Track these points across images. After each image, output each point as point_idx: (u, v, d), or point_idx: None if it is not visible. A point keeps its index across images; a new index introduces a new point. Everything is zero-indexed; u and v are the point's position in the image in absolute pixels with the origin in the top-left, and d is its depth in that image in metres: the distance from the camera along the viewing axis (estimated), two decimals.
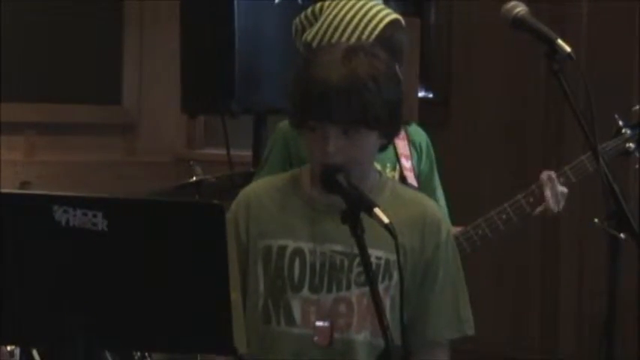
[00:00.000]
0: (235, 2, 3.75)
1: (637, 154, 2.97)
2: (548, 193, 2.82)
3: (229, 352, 1.97)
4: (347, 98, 2.12)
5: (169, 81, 4.63)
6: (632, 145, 2.94)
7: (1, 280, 2.04)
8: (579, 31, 4.21)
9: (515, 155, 4.32)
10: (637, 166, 3.00)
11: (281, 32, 3.59)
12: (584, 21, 4.30)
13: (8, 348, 3.04)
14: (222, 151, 4.30)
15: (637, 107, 3.02)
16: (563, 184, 2.86)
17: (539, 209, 2.86)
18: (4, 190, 2.80)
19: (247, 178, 2.93)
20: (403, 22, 2.80)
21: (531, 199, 2.85)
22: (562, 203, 2.89)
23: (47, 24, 5.54)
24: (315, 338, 2.22)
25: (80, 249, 1.94)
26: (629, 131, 2.93)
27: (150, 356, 3.01)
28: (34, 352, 3.11)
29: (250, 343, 2.15)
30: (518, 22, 2.39)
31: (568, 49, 2.21)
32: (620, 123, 2.98)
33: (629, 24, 4.21)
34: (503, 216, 2.92)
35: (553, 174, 2.85)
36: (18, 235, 2.00)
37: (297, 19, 2.89)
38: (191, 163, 4.06)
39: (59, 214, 1.90)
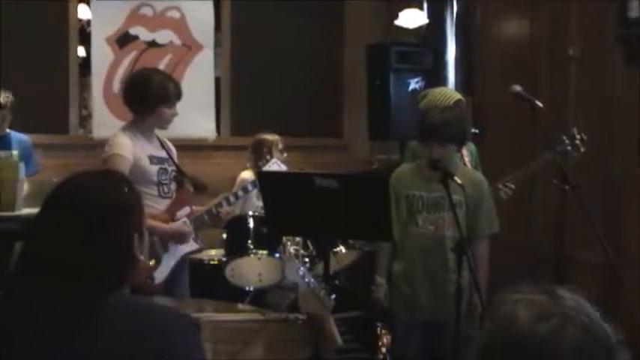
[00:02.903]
0: (391, 86, 5.69)
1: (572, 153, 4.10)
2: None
3: (389, 239, 3.46)
4: (442, 130, 3.50)
5: (363, 120, 6.39)
6: (568, 148, 4.09)
7: (288, 213, 3.26)
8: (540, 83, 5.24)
9: (518, 157, 5.06)
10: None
11: (411, 100, 5.38)
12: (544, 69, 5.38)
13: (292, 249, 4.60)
14: (385, 156, 6.52)
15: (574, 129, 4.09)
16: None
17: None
18: (290, 171, 4.29)
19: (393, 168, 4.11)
20: (463, 99, 4.26)
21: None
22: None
23: (288, 79, 7.17)
24: (429, 234, 3.61)
25: (327, 198, 3.16)
26: (567, 141, 4.08)
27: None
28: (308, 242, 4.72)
29: (398, 238, 3.62)
30: (516, 95, 3.77)
31: (540, 104, 3.61)
32: (564, 137, 4.09)
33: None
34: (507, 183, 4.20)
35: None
36: (299, 190, 3.27)
37: (416, 97, 4.45)
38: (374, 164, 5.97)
39: (318, 180, 3.22)
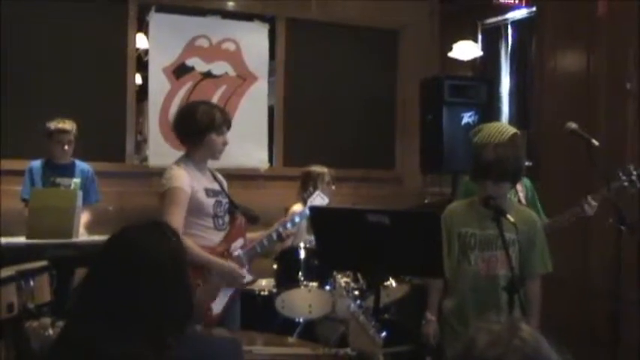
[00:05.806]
0: (444, 120, 5.68)
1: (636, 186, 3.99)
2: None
3: (440, 276, 3.43)
4: (496, 168, 3.41)
5: (416, 153, 6.47)
6: (625, 184, 3.97)
7: (340, 247, 3.22)
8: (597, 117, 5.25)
9: (574, 188, 5.14)
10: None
11: (464, 134, 5.39)
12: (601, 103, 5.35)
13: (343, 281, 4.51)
14: (438, 189, 6.29)
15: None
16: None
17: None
18: (342, 206, 4.43)
19: (445, 203, 4.09)
20: (519, 132, 4.25)
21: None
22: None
23: (341, 110, 7.22)
24: (481, 272, 3.52)
25: (376, 232, 3.10)
26: (624, 177, 3.97)
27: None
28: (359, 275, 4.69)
29: (450, 275, 3.55)
30: (572, 132, 3.76)
31: (597, 143, 3.61)
32: (620, 173, 4.00)
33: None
34: (566, 217, 4.08)
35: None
36: (351, 225, 3.18)
37: (470, 133, 4.30)
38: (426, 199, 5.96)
39: (370, 216, 3.14)
